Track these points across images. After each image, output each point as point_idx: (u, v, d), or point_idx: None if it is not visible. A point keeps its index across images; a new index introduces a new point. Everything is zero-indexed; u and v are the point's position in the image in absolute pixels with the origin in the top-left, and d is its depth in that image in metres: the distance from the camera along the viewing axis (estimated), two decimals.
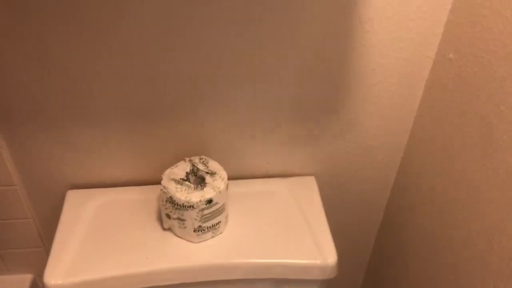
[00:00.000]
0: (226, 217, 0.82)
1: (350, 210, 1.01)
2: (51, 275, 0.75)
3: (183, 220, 0.77)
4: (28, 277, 1.04)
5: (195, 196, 0.75)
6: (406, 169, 0.92)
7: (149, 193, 0.87)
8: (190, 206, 0.75)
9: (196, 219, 0.77)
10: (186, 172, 0.79)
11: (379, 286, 1.11)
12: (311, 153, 0.90)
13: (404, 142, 0.90)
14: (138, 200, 0.87)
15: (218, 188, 0.77)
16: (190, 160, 0.81)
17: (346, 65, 0.77)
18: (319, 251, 0.79)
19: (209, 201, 0.76)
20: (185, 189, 0.76)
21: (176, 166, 0.80)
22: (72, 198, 0.87)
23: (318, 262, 0.77)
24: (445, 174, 0.77)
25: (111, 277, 0.76)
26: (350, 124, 0.86)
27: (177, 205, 0.76)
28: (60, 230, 0.82)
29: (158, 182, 0.85)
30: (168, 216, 0.79)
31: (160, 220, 0.83)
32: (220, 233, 0.82)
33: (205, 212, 0.76)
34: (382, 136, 0.88)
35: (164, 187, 0.76)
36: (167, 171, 0.79)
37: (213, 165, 0.81)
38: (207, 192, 0.76)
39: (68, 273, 0.76)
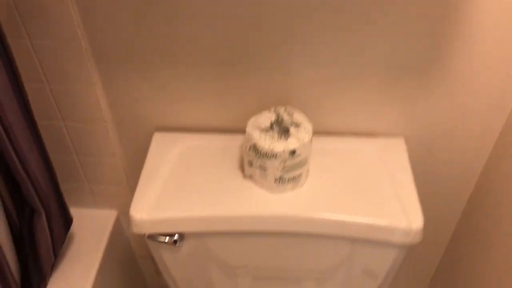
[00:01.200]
0: (308, 171, 0.80)
1: (438, 180, 0.95)
2: (136, 210, 0.79)
3: (265, 169, 0.77)
4: (113, 213, 1.11)
5: (279, 146, 0.74)
6: (506, 138, 0.84)
7: (232, 142, 0.87)
8: (273, 155, 0.74)
9: (278, 169, 0.76)
10: (271, 122, 0.78)
11: (460, 261, 1.05)
12: (402, 113, 0.85)
13: (510, 105, 0.82)
14: (221, 147, 0.87)
15: (302, 139, 0.75)
16: (275, 110, 0.79)
17: (450, 18, 0.71)
18: (405, 214, 0.75)
19: (293, 152, 0.74)
20: (269, 138, 0.75)
21: (261, 115, 0.79)
22: (158, 139, 0.90)
23: (402, 224, 0.74)
24: None
25: (192, 217, 0.78)
26: (452, 80, 0.79)
27: (260, 153, 0.75)
28: (146, 169, 0.85)
29: (241, 131, 0.85)
30: (251, 163, 0.78)
31: (241, 168, 0.83)
32: (301, 186, 0.80)
33: (288, 163, 0.75)
34: (485, 97, 0.81)
35: (249, 134, 0.76)
36: (252, 119, 0.78)
37: (298, 116, 0.78)
38: (291, 143, 0.74)
39: (152, 209, 0.79)
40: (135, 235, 1.21)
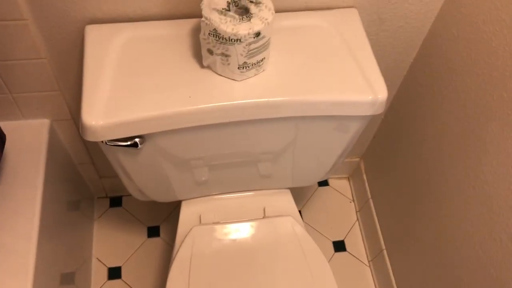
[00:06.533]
0: (269, 53, 0.76)
1: (386, 47, 0.96)
2: (89, 116, 0.70)
3: (227, 55, 0.71)
4: (45, 122, 1.00)
5: (243, 28, 0.67)
6: (451, 4, 0.85)
7: (182, 28, 0.79)
8: (237, 40, 0.68)
9: (241, 54, 0.70)
10: (227, 2, 0.70)
11: (397, 129, 1.12)
12: None
13: None
14: (169, 35, 0.78)
15: (266, 19, 0.69)
16: None
17: None
18: (369, 87, 0.75)
19: (257, 34, 0.69)
20: (230, 21, 0.68)
21: None
22: (93, 34, 0.78)
23: (369, 97, 0.75)
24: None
25: (153, 117, 0.72)
26: None
27: (222, 39, 0.68)
28: (88, 68, 0.75)
29: (190, 16, 0.76)
30: (210, 51, 0.72)
31: (197, 57, 0.76)
32: (263, 70, 0.77)
33: (252, 46, 0.70)
34: None
35: (206, 18, 0.68)
36: (205, 1, 0.70)
37: None
38: (255, 24, 0.68)
39: (106, 113, 0.71)
40: (71, 143, 1.12)
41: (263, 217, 1.02)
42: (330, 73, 0.77)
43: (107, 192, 1.40)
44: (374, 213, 1.31)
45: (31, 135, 0.97)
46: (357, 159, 1.40)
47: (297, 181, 1.03)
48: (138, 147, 0.76)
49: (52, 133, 1.01)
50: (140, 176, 0.89)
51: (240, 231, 0.99)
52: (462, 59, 0.85)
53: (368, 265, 1.35)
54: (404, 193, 1.13)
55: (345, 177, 1.50)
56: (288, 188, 1.07)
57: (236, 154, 0.89)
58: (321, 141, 0.87)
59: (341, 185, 1.49)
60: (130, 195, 1.41)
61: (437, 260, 0.99)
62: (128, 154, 0.81)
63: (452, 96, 0.89)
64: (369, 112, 0.77)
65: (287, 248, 0.97)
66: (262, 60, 0.74)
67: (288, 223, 1.00)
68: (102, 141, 0.74)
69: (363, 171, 1.38)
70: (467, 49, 0.84)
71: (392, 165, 1.19)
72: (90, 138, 0.72)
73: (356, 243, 1.39)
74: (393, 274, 1.21)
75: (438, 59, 0.92)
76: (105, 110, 0.71)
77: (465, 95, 0.85)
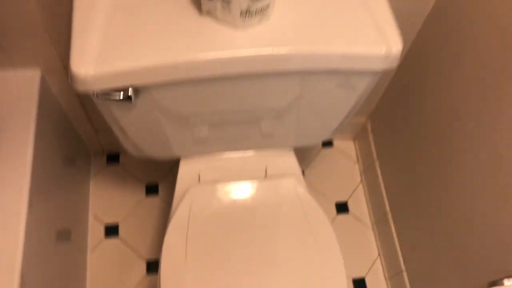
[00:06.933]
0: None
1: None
2: (78, 64, 0.65)
3: (228, 1, 0.65)
4: (36, 75, 0.94)
5: None
6: None
7: None
8: None
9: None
10: None
11: (408, 86, 1.06)
12: None
13: None
14: None
15: None
16: None
17: None
18: (383, 38, 0.69)
19: None
20: None
21: None
22: None
23: (382, 50, 0.69)
24: None
25: (148, 66, 0.66)
26: None
27: None
28: (78, 13, 0.69)
29: None
30: None
31: (195, 2, 0.70)
32: (268, 18, 0.70)
33: None
34: None
35: None
36: None
37: None
38: None
39: (97, 62, 0.65)
40: (64, 96, 1.07)
41: (265, 177, 0.98)
42: (341, 23, 0.70)
43: (104, 148, 1.36)
44: (380, 175, 1.27)
45: (21, 88, 0.92)
46: (364, 119, 1.34)
47: (301, 140, 0.98)
48: (132, 101, 0.71)
49: (43, 85, 0.96)
50: (136, 131, 0.85)
51: (240, 191, 0.95)
52: (483, 11, 0.78)
53: (371, 227, 1.32)
54: (412, 156, 1.09)
55: (350, 138, 1.45)
56: (292, 148, 1.03)
57: (237, 111, 0.84)
58: (327, 98, 0.82)
59: (345, 146, 1.44)
60: (127, 154, 1.39)
61: (444, 225, 0.95)
62: (122, 109, 0.76)
63: (470, 52, 0.83)
64: (381, 66, 0.71)
65: (289, 209, 0.93)
66: (267, 6, 0.67)
67: (291, 184, 0.96)
68: (94, 94, 0.69)
69: (369, 131, 1.33)
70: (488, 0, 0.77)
71: (401, 126, 1.13)
72: (80, 88, 0.67)
73: (360, 205, 1.36)
74: (397, 237, 1.18)
75: (456, 10, 0.85)
76: (96, 58, 0.65)
77: (485, 51, 0.79)
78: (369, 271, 1.27)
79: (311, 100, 0.82)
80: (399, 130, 1.15)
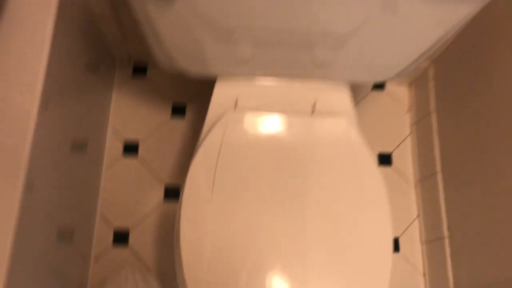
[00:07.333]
0: None
1: None
2: None
3: None
4: None
5: None
6: None
7: None
8: None
9: None
10: None
11: None
12: None
13: None
14: None
15: None
16: None
17: None
18: None
19: None
20: None
21: None
22: None
23: None
24: None
25: None
26: None
27: None
28: None
29: None
30: None
31: None
32: None
33: None
34: None
35: None
36: None
37: None
38: None
39: None
40: None
41: (312, 113, 0.85)
42: None
43: (130, 58, 1.23)
44: (434, 130, 1.11)
45: None
46: (426, 63, 1.17)
47: (360, 75, 0.83)
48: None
49: None
50: (172, 39, 0.71)
51: (282, 125, 0.82)
52: None
53: (414, 185, 1.19)
54: (481, 112, 0.93)
55: (405, 83, 1.28)
56: (347, 84, 0.88)
57: (290, 31, 0.69)
58: (410, 24, 0.66)
59: (399, 92, 1.28)
60: (156, 68, 1.25)
61: (502, 196, 0.82)
62: (159, 10, 0.62)
63: None
64: None
65: (335, 154, 0.80)
66: None
67: (342, 124, 0.82)
68: None
69: (430, 78, 1.16)
70: None
71: (472, 75, 0.96)
72: None
73: (405, 159, 1.22)
74: (445, 201, 1.05)
75: None
76: None
77: None
78: (404, 231, 1.15)
79: (387, 25, 0.67)
80: (469, 80, 0.98)
